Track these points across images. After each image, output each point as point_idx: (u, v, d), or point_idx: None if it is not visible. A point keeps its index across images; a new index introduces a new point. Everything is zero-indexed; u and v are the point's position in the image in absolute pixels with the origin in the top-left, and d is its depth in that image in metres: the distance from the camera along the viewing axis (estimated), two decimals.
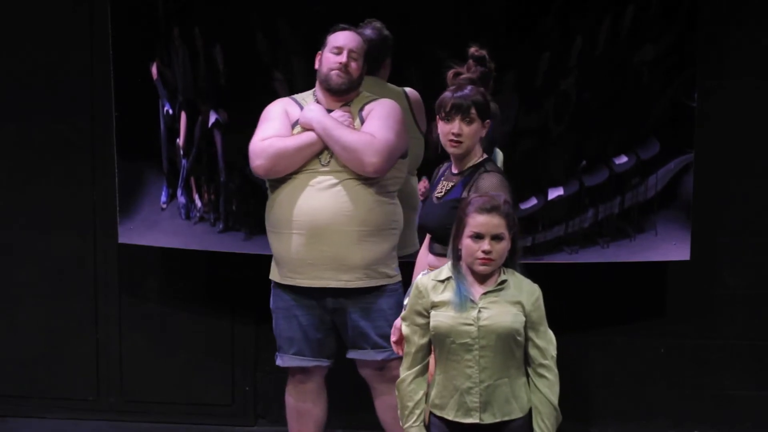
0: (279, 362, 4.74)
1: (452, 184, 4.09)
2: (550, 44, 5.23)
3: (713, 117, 5.40)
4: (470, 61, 4.22)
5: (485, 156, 4.11)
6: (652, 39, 5.18)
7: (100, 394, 6.02)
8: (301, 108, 4.58)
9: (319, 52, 4.63)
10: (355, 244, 4.46)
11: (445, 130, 4.03)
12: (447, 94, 4.05)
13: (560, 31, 5.23)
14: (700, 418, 5.66)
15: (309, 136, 4.47)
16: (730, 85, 5.45)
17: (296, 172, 4.49)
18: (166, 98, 5.49)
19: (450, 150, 4.06)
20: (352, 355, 4.64)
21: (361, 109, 4.57)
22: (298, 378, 4.72)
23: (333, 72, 4.51)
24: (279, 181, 4.55)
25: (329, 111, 4.53)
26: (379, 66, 4.87)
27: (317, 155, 4.48)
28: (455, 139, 4.01)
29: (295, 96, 4.70)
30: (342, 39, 4.56)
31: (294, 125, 4.54)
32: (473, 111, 3.99)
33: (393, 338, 4.25)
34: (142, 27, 5.47)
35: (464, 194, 3.99)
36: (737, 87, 5.45)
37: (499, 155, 4.03)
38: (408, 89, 4.89)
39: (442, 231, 4.03)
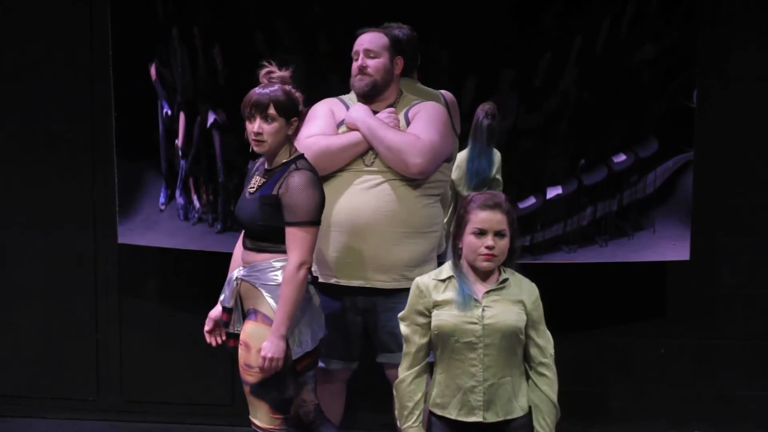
0: None
1: (264, 180, 4.10)
2: (550, 44, 5.23)
3: (713, 116, 5.41)
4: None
5: (297, 153, 4.12)
6: (652, 39, 5.18)
7: (100, 394, 6.03)
8: (347, 108, 4.55)
9: None
10: (393, 245, 4.40)
11: (248, 129, 4.05)
12: (250, 92, 4.05)
13: (560, 31, 5.23)
14: (700, 418, 5.66)
15: (354, 136, 4.43)
16: (730, 85, 5.45)
17: (340, 170, 4.44)
18: (164, 99, 5.49)
19: (255, 149, 4.07)
20: (381, 359, 4.56)
21: (407, 110, 4.52)
22: (321, 378, 4.63)
23: (355, 78, 4.49)
24: (322, 180, 4.52)
25: (374, 112, 4.49)
26: (414, 66, 4.78)
27: (361, 155, 4.45)
28: (256, 138, 4.03)
29: (342, 96, 4.65)
30: (357, 43, 4.52)
31: (339, 125, 4.51)
32: (272, 109, 3.99)
33: (206, 328, 4.31)
34: (142, 27, 5.48)
35: (274, 191, 4.00)
36: (737, 86, 5.45)
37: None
38: (444, 91, 4.81)
39: (253, 226, 4.08)
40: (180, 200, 5.53)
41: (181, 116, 5.49)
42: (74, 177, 5.90)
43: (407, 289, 4.38)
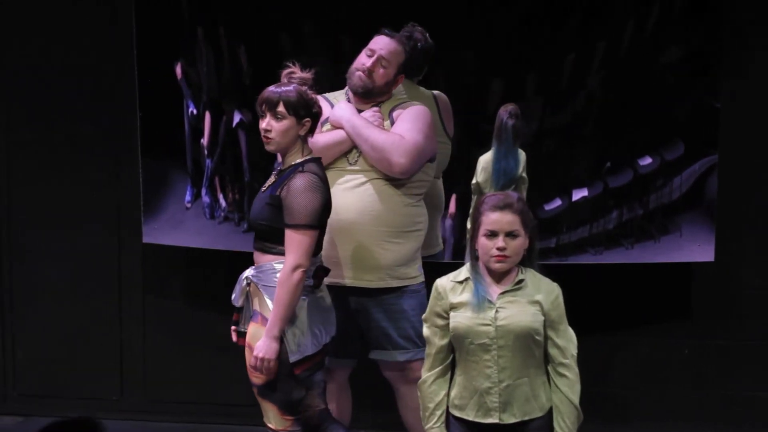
0: None
1: (275, 180, 4.11)
2: (575, 46, 5.22)
3: (738, 118, 5.37)
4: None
5: (311, 156, 4.13)
6: (677, 40, 5.16)
7: (123, 394, 6.05)
8: (332, 106, 4.58)
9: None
10: (378, 245, 4.45)
11: (260, 126, 4.07)
12: (264, 90, 4.07)
13: (585, 33, 5.21)
14: (725, 419, 5.62)
15: (338, 134, 4.48)
16: (755, 87, 5.41)
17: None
18: (190, 98, 5.51)
19: (265, 147, 4.09)
20: (374, 355, 4.62)
21: (392, 111, 4.56)
22: None
23: (357, 72, 4.52)
24: None
25: (359, 111, 4.53)
26: (421, 72, 4.82)
27: (345, 154, 4.49)
28: (264, 135, 4.04)
29: (327, 94, 4.68)
30: (377, 43, 4.54)
31: (324, 123, 4.53)
32: (281, 107, 4.00)
33: (233, 326, 4.30)
34: (166, 27, 5.49)
35: (278, 192, 4.00)
36: (762, 88, 5.42)
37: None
38: (437, 92, 4.86)
39: (258, 225, 4.10)
40: (206, 199, 5.54)
41: (207, 115, 5.50)
42: (99, 176, 5.92)
43: (398, 288, 4.46)
